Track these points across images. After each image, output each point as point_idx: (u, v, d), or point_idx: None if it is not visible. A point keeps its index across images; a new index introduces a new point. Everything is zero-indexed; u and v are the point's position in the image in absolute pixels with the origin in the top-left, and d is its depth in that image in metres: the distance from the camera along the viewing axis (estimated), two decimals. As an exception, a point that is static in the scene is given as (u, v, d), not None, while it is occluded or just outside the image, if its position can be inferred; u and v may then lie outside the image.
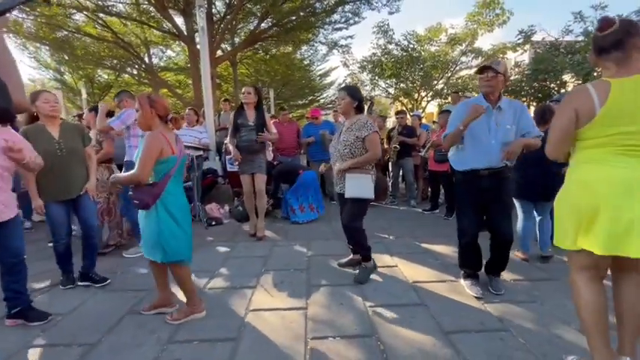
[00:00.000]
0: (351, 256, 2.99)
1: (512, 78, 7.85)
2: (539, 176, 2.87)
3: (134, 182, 1.92)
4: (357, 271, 2.79)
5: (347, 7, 11.51)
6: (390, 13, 11.29)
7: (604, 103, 1.37)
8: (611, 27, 1.41)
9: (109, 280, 2.71)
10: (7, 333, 2.07)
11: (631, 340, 1.50)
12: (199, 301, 2.20)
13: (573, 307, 1.59)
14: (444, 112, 5.19)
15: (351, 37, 13.83)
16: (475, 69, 12.64)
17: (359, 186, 2.57)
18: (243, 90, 3.81)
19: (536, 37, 8.30)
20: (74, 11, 9.90)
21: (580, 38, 7.72)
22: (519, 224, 3.10)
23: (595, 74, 7.02)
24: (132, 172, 1.91)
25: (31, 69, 15.90)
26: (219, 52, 11.76)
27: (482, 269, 2.60)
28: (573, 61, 7.18)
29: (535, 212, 3.12)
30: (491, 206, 2.40)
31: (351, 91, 2.68)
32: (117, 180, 1.99)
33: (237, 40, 13.42)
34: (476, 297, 2.41)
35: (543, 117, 2.98)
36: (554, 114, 1.61)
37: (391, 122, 9.29)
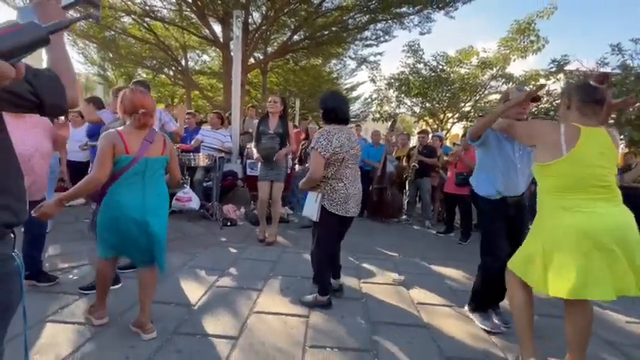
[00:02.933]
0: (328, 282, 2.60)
1: (541, 106, 7.67)
2: None
3: (93, 185, 1.79)
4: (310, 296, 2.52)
5: (379, 25, 11.70)
6: (422, 34, 11.36)
7: (573, 145, 1.60)
8: (608, 82, 1.68)
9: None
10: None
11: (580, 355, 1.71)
12: (101, 307, 2.05)
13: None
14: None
15: (380, 54, 13.99)
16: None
17: (307, 204, 2.38)
18: (270, 99, 3.94)
19: (569, 67, 8.09)
20: (123, 14, 10.61)
21: (616, 71, 7.48)
22: None
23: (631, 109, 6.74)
24: (88, 175, 1.80)
25: (79, 63, 17.09)
26: (251, 60, 12.22)
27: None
28: (608, 94, 6.97)
29: None
30: (511, 236, 2.26)
31: (320, 99, 2.47)
32: (76, 193, 1.77)
33: (269, 49, 13.90)
34: (487, 330, 2.29)
35: None
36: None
37: (415, 140, 9.24)
